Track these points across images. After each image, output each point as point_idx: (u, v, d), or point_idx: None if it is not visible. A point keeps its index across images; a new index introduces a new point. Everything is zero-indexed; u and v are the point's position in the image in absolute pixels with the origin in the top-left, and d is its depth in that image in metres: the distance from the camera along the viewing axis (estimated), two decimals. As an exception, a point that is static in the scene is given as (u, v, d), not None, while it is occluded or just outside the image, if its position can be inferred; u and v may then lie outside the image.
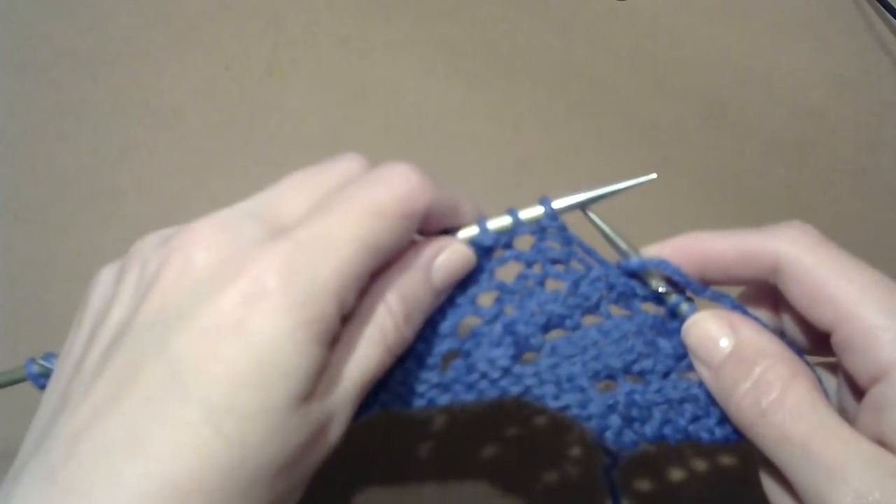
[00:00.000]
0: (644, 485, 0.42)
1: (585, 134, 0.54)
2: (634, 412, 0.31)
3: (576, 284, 0.32)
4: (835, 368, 0.31)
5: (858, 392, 0.29)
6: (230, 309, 0.25)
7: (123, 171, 0.51)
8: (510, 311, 0.32)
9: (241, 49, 0.55)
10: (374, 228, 0.27)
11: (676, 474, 0.42)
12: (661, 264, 0.32)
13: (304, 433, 0.26)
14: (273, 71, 0.55)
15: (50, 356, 0.33)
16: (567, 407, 0.31)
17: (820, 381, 0.29)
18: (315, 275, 0.26)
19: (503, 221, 0.32)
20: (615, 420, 0.31)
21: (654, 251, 0.32)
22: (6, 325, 0.45)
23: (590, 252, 0.33)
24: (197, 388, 0.24)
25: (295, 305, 0.25)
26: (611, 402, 0.31)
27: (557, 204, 0.33)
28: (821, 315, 0.29)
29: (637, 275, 0.33)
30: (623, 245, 0.33)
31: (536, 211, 0.33)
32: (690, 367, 0.32)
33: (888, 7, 0.59)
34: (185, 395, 0.24)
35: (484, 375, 0.31)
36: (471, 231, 0.32)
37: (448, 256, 0.31)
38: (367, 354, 0.28)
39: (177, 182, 0.50)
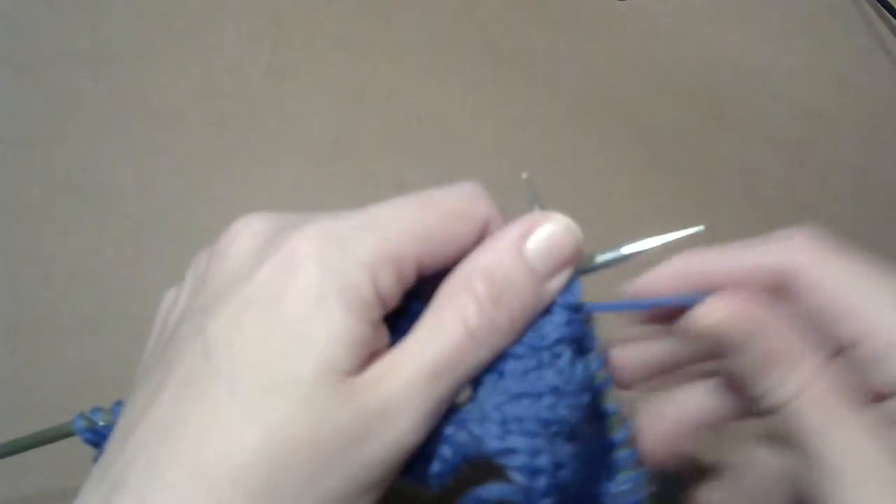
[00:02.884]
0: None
1: (585, 134, 0.54)
2: (568, 479, 0.26)
3: (537, 327, 0.27)
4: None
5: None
6: (263, 283, 0.24)
7: (123, 171, 0.51)
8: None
9: (241, 49, 0.55)
10: (424, 216, 0.26)
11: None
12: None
13: (347, 415, 0.23)
14: (273, 71, 0.55)
15: (96, 410, 0.32)
16: (511, 451, 0.25)
17: None
18: (350, 245, 0.24)
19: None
20: (550, 483, 0.25)
21: (653, 278, 0.29)
22: (6, 325, 0.45)
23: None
24: (226, 365, 0.23)
25: (326, 273, 0.24)
26: (560, 459, 0.25)
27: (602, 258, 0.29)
28: (841, 324, 0.27)
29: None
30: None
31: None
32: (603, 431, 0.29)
33: (888, 7, 0.59)
34: (216, 373, 0.23)
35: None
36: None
37: (544, 229, 0.27)
38: (438, 339, 0.25)
39: (177, 182, 0.50)
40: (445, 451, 0.26)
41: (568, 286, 0.27)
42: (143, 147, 0.52)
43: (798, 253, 0.28)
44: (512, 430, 0.25)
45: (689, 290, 0.29)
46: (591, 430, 0.28)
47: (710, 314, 0.27)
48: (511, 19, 0.59)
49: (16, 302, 0.46)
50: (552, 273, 0.27)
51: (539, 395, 0.26)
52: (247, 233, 0.26)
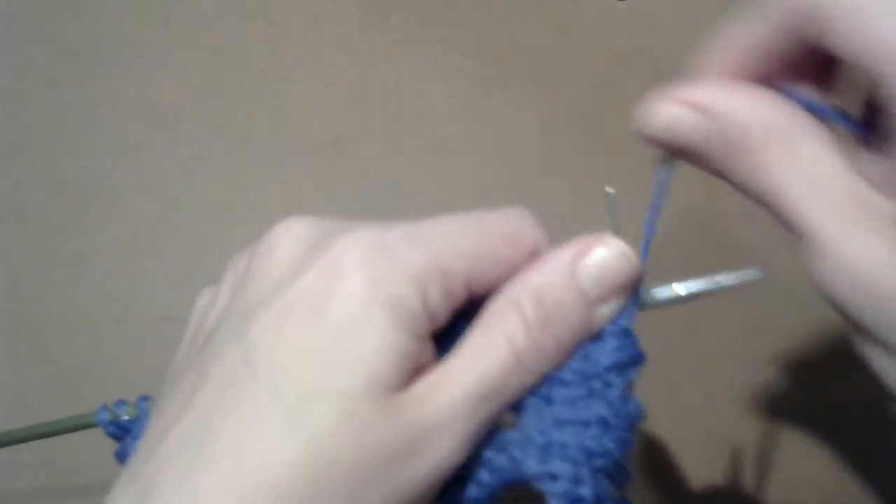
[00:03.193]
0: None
1: (586, 134, 0.54)
2: None
3: (585, 355, 0.26)
4: None
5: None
6: (307, 289, 0.23)
7: (123, 171, 0.51)
8: None
9: (241, 49, 0.55)
10: (474, 235, 0.25)
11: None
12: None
13: (391, 431, 0.22)
14: (273, 71, 0.55)
15: (121, 403, 0.31)
16: (552, 476, 0.24)
17: None
18: (398, 256, 0.24)
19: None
20: None
21: (699, 74, 0.26)
22: (6, 325, 0.45)
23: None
24: (267, 372, 0.22)
25: (374, 283, 0.23)
26: (603, 494, 0.24)
27: (660, 293, 0.28)
28: (867, 63, 0.23)
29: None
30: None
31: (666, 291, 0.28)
32: None
33: (888, 7, 0.59)
34: (256, 380, 0.22)
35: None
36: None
37: (598, 253, 0.26)
38: (483, 359, 0.24)
39: (177, 182, 0.50)
40: (484, 475, 0.25)
41: (622, 312, 0.26)
42: (143, 147, 0.52)
43: None
44: (554, 455, 0.24)
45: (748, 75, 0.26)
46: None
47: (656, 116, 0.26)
48: (511, 19, 0.59)
49: (16, 302, 0.46)
50: (603, 299, 0.26)
51: (586, 425, 0.24)
52: (290, 236, 0.25)
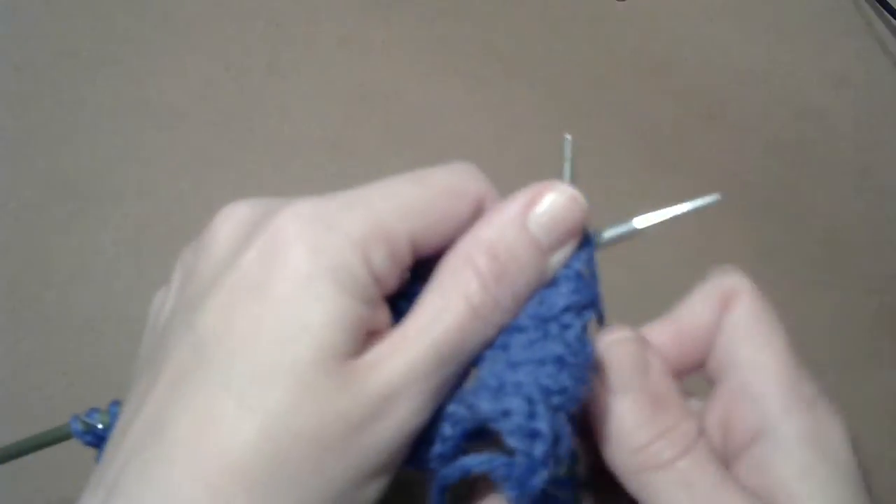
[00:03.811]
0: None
1: (585, 134, 0.54)
2: (563, 460, 0.24)
3: (540, 300, 0.25)
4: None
5: (735, 447, 0.26)
6: (249, 268, 0.23)
7: (123, 171, 0.51)
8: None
9: (241, 49, 0.55)
10: (416, 193, 0.25)
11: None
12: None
13: (349, 400, 0.22)
14: (273, 71, 0.55)
15: (93, 412, 0.31)
16: (506, 413, 0.23)
17: None
18: (337, 222, 0.23)
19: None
20: (550, 458, 0.23)
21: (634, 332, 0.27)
22: (6, 325, 0.45)
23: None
24: (217, 357, 0.22)
25: (314, 253, 0.23)
26: (559, 430, 0.23)
27: (610, 233, 0.28)
28: (727, 358, 0.26)
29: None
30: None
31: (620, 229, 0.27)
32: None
33: (888, 7, 0.59)
34: (208, 367, 0.22)
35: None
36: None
37: (548, 200, 0.25)
38: (440, 318, 0.23)
39: (177, 182, 0.50)
40: (446, 429, 0.24)
41: (576, 254, 0.26)
42: (143, 147, 0.52)
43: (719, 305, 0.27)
44: (508, 393, 0.23)
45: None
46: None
47: (615, 332, 0.26)
48: (511, 19, 0.59)
49: (16, 302, 0.46)
50: (557, 246, 0.25)
51: (542, 363, 0.24)
52: (230, 222, 0.25)
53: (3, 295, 0.46)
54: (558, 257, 0.26)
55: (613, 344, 0.26)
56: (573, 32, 0.58)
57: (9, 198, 0.49)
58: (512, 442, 0.23)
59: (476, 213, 0.26)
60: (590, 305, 0.26)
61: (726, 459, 0.26)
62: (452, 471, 0.24)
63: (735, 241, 0.52)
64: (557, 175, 0.28)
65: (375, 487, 0.23)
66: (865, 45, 0.59)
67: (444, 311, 0.24)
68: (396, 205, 0.24)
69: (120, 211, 0.49)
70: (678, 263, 0.49)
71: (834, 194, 0.54)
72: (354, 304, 0.23)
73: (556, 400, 0.23)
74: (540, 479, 0.23)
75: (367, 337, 0.24)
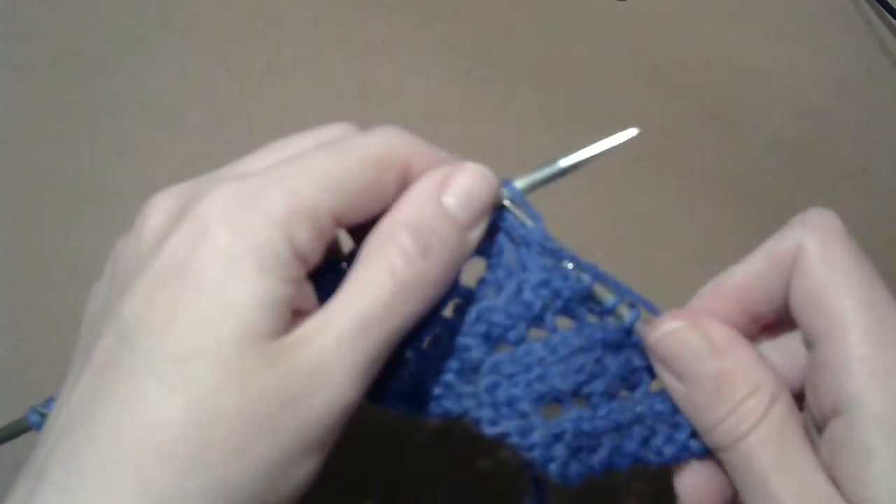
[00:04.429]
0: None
1: (585, 134, 0.54)
2: (583, 441, 0.27)
3: (518, 290, 0.28)
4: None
5: (823, 416, 0.26)
6: (171, 255, 0.23)
7: (123, 171, 0.51)
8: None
9: (241, 49, 0.55)
10: (336, 166, 0.25)
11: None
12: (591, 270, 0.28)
13: (276, 378, 0.22)
14: (273, 71, 0.55)
15: (51, 401, 0.31)
16: (506, 435, 0.26)
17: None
18: (258, 204, 0.23)
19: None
20: (561, 451, 0.26)
21: (683, 316, 0.27)
22: (6, 325, 0.45)
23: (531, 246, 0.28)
24: (141, 341, 0.22)
25: (236, 234, 0.23)
26: (557, 430, 0.26)
27: (522, 182, 0.29)
28: (811, 319, 0.25)
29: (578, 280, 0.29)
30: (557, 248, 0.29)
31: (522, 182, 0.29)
32: (634, 386, 0.28)
33: (888, 7, 0.59)
34: (132, 353, 0.22)
35: (426, 389, 0.27)
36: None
37: (459, 179, 0.26)
38: (367, 292, 0.24)
39: (176, 182, 0.50)
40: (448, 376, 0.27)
41: (539, 243, 0.28)
42: (143, 147, 0.52)
43: (812, 230, 0.26)
44: (503, 415, 0.26)
45: (732, 312, 0.28)
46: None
47: (658, 328, 0.27)
48: (511, 19, 0.59)
49: (16, 302, 0.46)
50: (474, 222, 0.27)
51: (528, 368, 0.27)
52: (156, 211, 0.25)
53: (3, 295, 0.46)
54: (476, 233, 0.27)
55: (662, 338, 0.27)
56: (573, 32, 0.58)
57: (9, 198, 0.49)
58: (523, 453, 0.26)
59: (402, 181, 0.26)
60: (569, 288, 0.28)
61: (823, 420, 0.25)
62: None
63: (735, 241, 0.52)
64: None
65: (306, 468, 0.23)
66: (865, 45, 0.59)
67: (369, 286, 0.24)
68: (317, 180, 0.24)
69: (120, 211, 0.49)
70: (678, 264, 0.49)
71: (834, 194, 0.54)
72: (278, 284, 0.23)
73: (547, 400, 0.27)
74: (556, 473, 0.26)
75: (293, 316, 0.24)
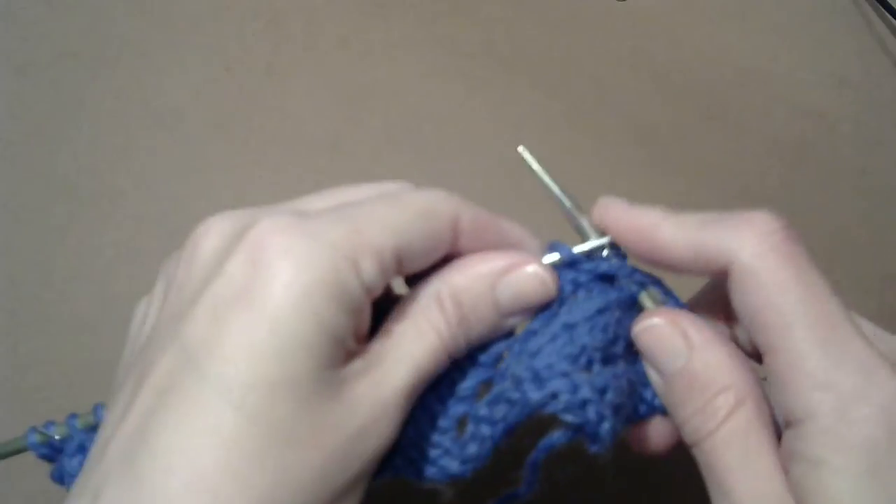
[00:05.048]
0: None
1: (585, 134, 0.54)
2: (622, 397, 0.27)
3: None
4: None
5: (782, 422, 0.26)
6: (234, 279, 0.23)
7: (123, 171, 0.51)
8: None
9: (241, 49, 0.55)
10: (397, 211, 0.25)
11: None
12: (614, 263, 0.29)
13: (343, 409, 0.23)
14: (273, 71, 0.55)
15: (50, 424, 0.30)
16: (555, 395, 0.26)
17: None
18: (323, 236, 0.24)
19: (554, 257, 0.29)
20: (607, 408, 0.26)
21: (604, 215, 0.30)
22: (6, 325, 0.45)
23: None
24: (211, 367, 0.22)
25: (306, 265, 0.23)
26: (601, 384, 0.26)
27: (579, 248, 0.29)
28: (756, 334, 0.26)
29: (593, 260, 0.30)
30: (567, 203, 0.31)
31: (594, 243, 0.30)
32: None
33: (888, 7, 0.59)
34: (200, 377, 0.22)
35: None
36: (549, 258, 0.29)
37: (519, 276, 0.27)
38: (417, 341, 0.26)
39: (177, 182, 0.50)
40: (483, 429, 0.27)
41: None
42: (143, 147, 0.52)
43: (740, 242, 0.26)
44: (545, 378, 0.26)
45: (639, 252, 0.29)
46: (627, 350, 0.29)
47: (640, 321, 0.28)
48: (511, 19, 0.59)
49: (16, 302, 0.46)
50: (513, 314, 0.28)
51: (554, 337, 0.27)
52: (212, 233, 0.25)
53: (3, 295, 0.46)
54: (512, 322, 0.28)
55: (643, 331, 0.28)
56: (573, 32, 0.58)
57: (9, 198, 0.49)
58: (569, 418, 0.26)
59: (454, 235, 0.27)
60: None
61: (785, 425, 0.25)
62: (541, 451, 0.27)
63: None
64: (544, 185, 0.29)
65: (358, 496, 0.24)
66: (865, 45, 0.59)
67: (419, 338, 0.26)
68: (379, 221, 0.25)
69: (120, 211, 0.49)
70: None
71: (834, 194, 0.54)
72: (346, 318, 0.24)
73: (584, 359, 0.27)
74: (606, 432, 0.26)
75: (357, 343, 0.25)
